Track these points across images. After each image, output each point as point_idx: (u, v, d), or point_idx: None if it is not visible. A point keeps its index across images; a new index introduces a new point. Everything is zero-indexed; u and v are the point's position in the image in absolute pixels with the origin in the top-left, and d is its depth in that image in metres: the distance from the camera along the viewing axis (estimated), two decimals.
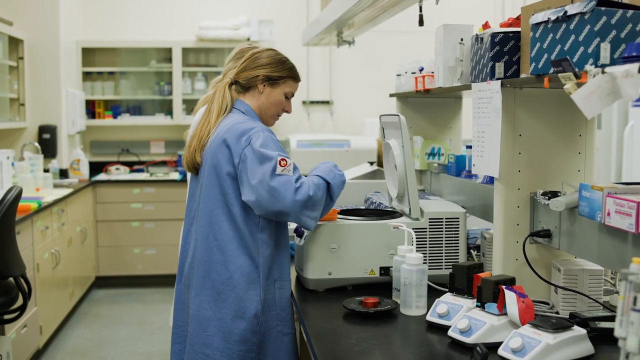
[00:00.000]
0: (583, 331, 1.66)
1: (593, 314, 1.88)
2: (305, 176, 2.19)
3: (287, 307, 2.25)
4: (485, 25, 2.49)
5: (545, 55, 1.73)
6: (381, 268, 2.31)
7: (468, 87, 2.29)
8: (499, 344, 1.68)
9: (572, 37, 1.63)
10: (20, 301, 3.38)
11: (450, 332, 1.80)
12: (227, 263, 2.19)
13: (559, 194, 2.02)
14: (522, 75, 1.95)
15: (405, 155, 2.31)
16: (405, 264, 2.06)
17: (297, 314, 2.15)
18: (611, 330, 1.76)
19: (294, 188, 2.10)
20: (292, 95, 2.37)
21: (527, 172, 2.09)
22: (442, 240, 2.35)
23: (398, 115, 2.33)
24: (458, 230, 2.36)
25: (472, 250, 2.64)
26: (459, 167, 2.83)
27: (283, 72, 2.32)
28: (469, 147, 2.86)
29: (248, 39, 6.51)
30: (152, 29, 6.69)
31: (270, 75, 2.30)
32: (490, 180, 2.56)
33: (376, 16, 4.02)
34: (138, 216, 6.18)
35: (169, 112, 6.64)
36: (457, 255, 2.36)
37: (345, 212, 2.47)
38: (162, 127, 6.78)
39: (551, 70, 1.70)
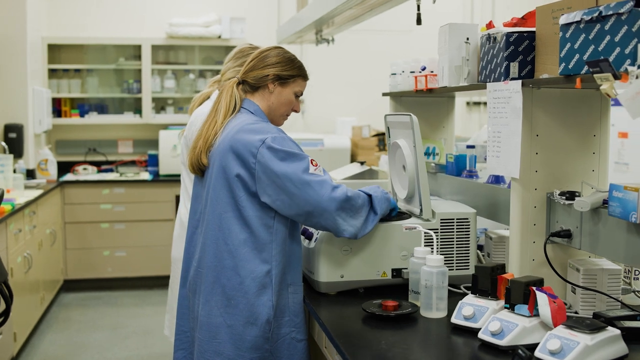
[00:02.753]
0: (617, 331, 1.66)
1: (616, 313, 1.88)
2: None
3: (300, 312, 2.19)
4: (489, 25, 2.49)
5: (577, 56, 1.72)
6: (393, 270, 2.28)
7: (480, 87, 2.28)
8: (530, 346, 1.67)
9: (608, 37, 1.62)
10: (2, 307, 3.23)
11: (481, 335, 1.78)
12: (237, 268, 2.12)
13: (577, 194, 2.02)
14: (544, 75, 1.95)
15: (417, 156, 2.29)
16: (426, 265, 2.03)
17: (315, 318, 2.10)
18: None
19: (331, 186, 2.06)
20: (301, 94, 2.32)
21: (544, 172, 2.09)
22: (453, 241, 2.33)
23: (410, 115, 2.30)
24: (469, 231, 2.34)
25: (477, 251, 2.63)
26: (460, 166, 2.82)
27: (293, 71, 2.27)
28: (470, 146, 2.86)
29: (219, 37, 6.42)
30: (121, 25, 6.52)
31: (281, 74, 2.24)
32: (496, 180, 2.56)
33: (361, 14, 3.99)
34: (108, 217, 6.03)
35: (138, 110, 6.50)
36: (468, 256, 2.35)
37: None
38: (130, 125, 6.63)
39: (584, 71, 1.70)
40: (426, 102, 3.23)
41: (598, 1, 1.77)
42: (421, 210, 2.33)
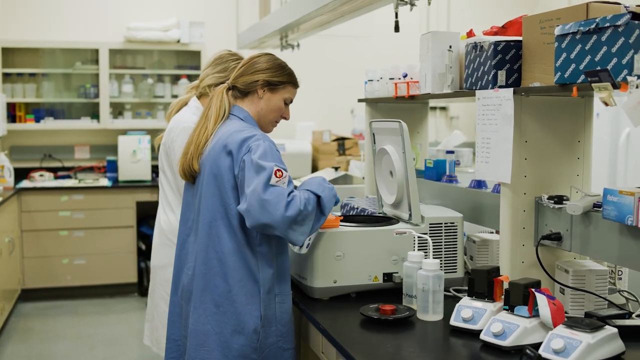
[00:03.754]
0: (614, 330, 1.73)
1: (607, 312, 1.96)
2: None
3: (288, 322, 2.20)
4: (470, 34, 2.55)
5: (573, 65, 1.79)
6: (384, 274, 2.31)
7: (466, 94, 2.34)
8: (532, 346, 1.72)
9: (604, 48, 1.69)
10: None
11: (482, 336, 1.83)
12: (226, 276, 2.12)
13: (565, 198, 2.09)
14: (535, 84, 2.01)
15: (407, 161, 2.33)
16: (423, 269, 2.07)
17: (314, 324, 2.11)
18: (632, 327, 1.85)
19: (286, 202, 2.01)
20: (291, 102, 2.33)
21: (533, 177, 2.15)
22: (441, 245, 2.38)
23: (399, 121, 2.34)
24: (456, 235, 2.40)
25: None
26: (439, 171, 2.88)
27: (283, 77, 2.28)
28: (450, 152, 2.92)
29: (178, 41, 6.36)
30: (78, 28, 6.38)
31: (270, 80, 2.25)
32: (478, 184, 2.63)
33: (332, 20, 4.02)
34: (66, 225, 5.89)
35: (95, 115, 6.37)
36: (456, 260, 2.40)
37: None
38: (87, 131, 6.49)
39: (580, 80, 1.76)
40: (400, 108, 3.27)
41: (588, 13, 1.85)
42: (410, 215, 2.37)
